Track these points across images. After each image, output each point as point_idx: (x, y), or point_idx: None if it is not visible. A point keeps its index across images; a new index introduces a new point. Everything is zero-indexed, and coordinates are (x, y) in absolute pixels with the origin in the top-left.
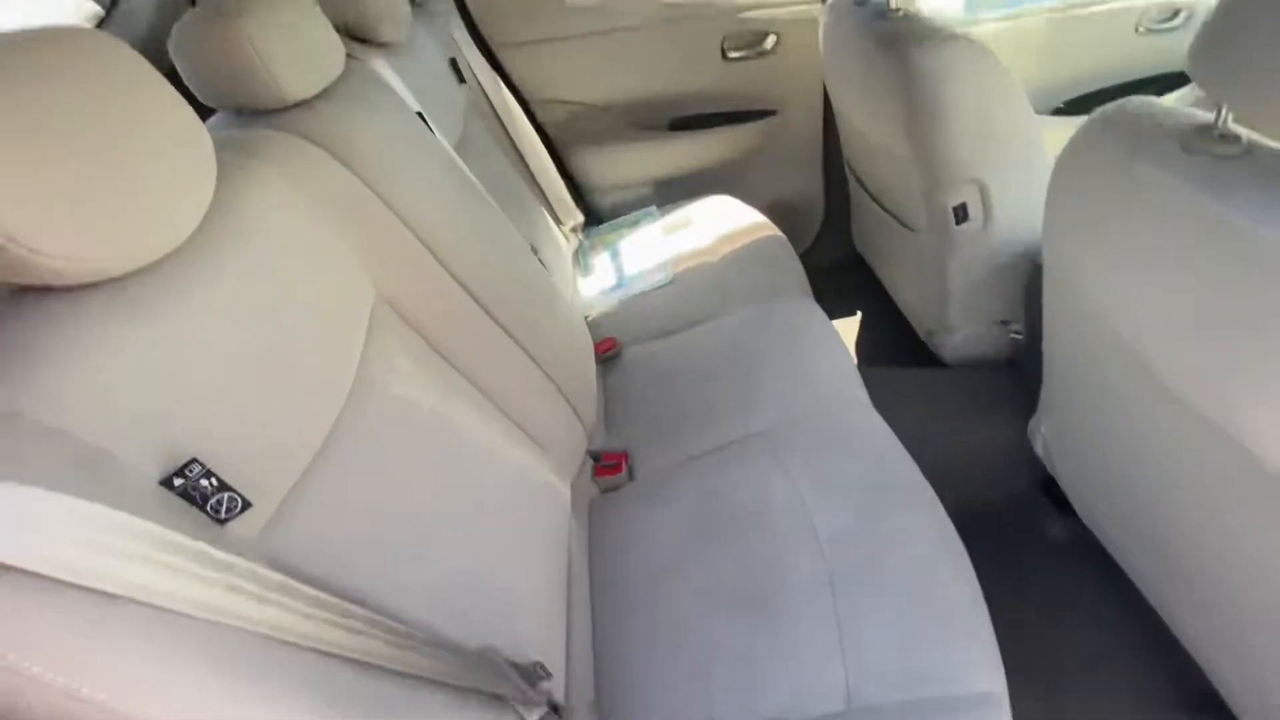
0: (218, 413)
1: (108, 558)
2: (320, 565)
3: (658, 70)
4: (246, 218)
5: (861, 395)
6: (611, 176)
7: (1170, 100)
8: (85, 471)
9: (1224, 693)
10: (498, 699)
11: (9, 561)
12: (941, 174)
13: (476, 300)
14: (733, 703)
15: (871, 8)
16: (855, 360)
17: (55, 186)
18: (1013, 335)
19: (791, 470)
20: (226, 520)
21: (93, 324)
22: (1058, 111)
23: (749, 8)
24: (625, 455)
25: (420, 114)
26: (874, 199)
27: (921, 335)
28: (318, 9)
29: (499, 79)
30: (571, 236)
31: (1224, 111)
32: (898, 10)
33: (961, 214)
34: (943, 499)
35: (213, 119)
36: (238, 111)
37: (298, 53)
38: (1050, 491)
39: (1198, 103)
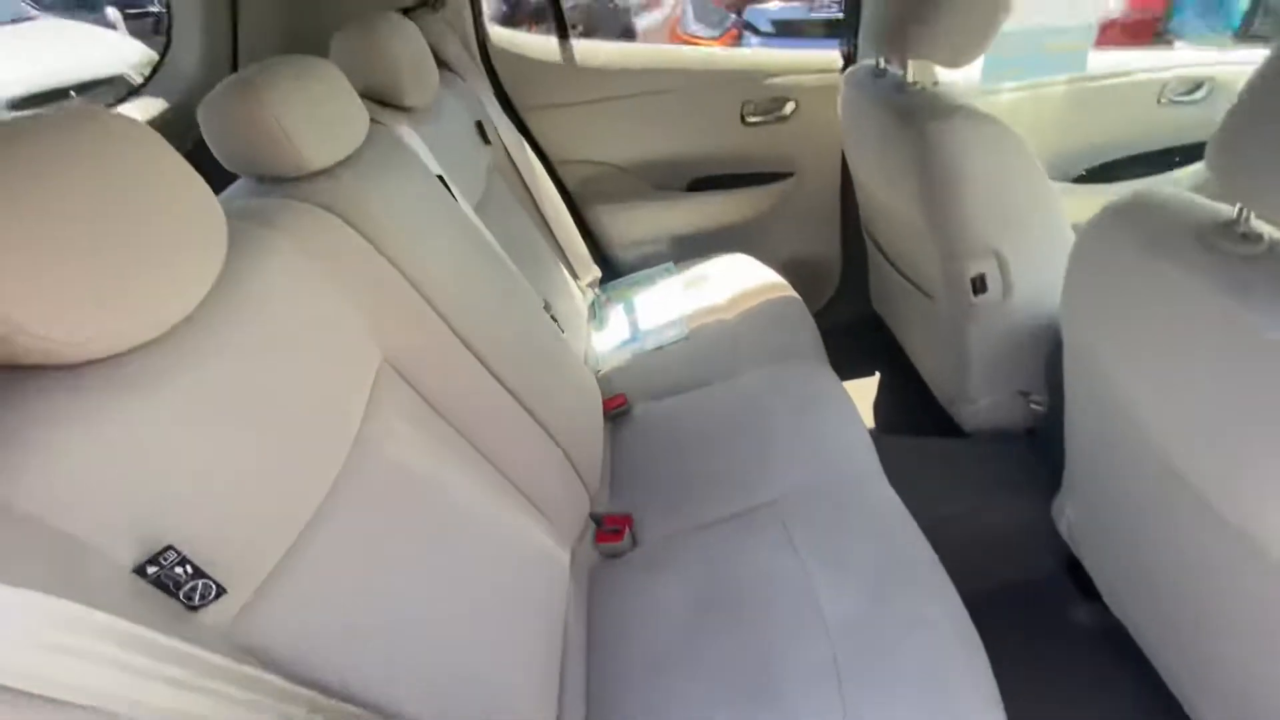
0: (203, 493)
1: (68, 660)
2: (296, 651)
3: (678, 133)
4: (254, 288)
5: (875, 468)
6: (630, 233)
7: (1189, 174)
8: (54, 562)
9: None
10: None
11: None
12: (959, 246)
13: (484, 364)
14: None
15: (890, 80)
16: (873, 424)
17: (62, 274)
18: (1034, 405)
19: (800, 546)
20: (200, 607)
21: (78, 403)
22: (1079, 179)
23: (769, 75)
24: (629, 520)
25: (441, 177)
26: (891, 264)
27: (942, 402)
28: (344, 81)
29: (524, 140)
30: (588, 291)
31: (1245, 210)
32: (915, 83)
33: (980, 285)
34: (960, 579)
35: (235, 184)
36: (260, 178)
37: (321, 124)
38: (1075, 574)
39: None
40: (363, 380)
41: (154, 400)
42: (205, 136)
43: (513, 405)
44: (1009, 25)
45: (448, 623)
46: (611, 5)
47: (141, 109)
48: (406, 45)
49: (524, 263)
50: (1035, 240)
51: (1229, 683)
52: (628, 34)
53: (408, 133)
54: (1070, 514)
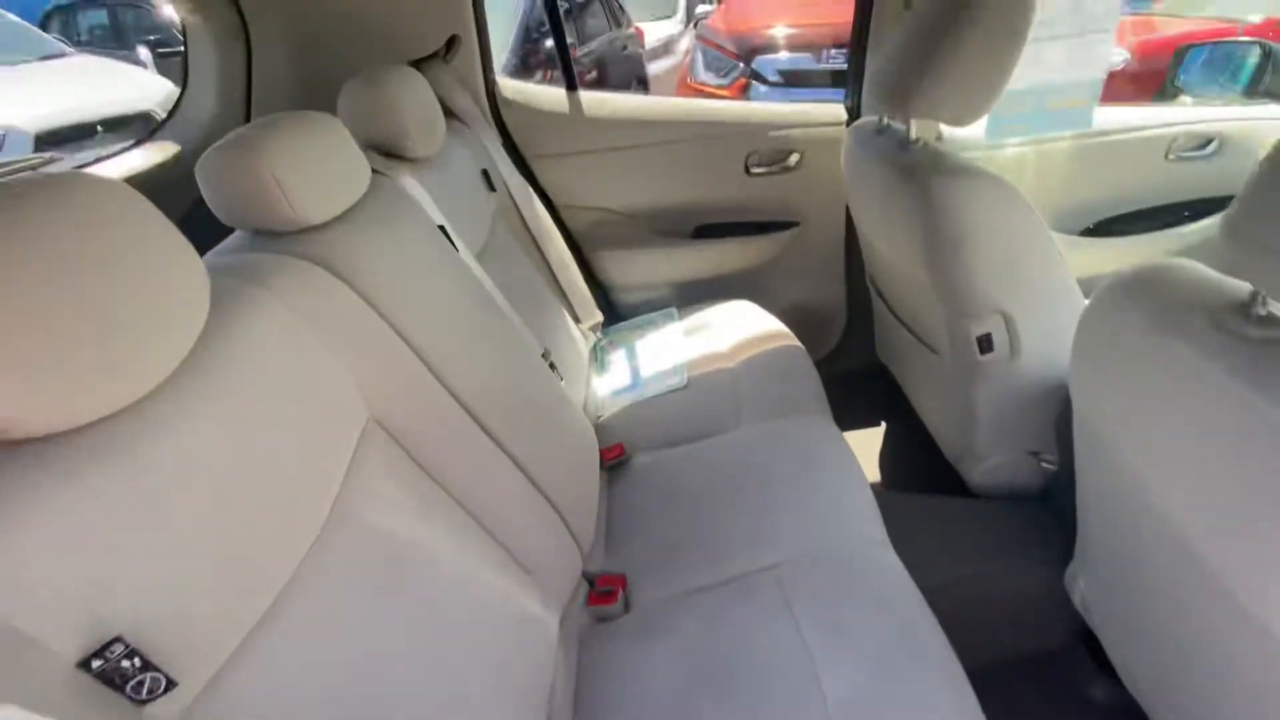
0: (158, 576)
1: None
2: None
3: (683, 182)
4: (235, 350)
5: (879, 532)
6: (633, 277)
7: (1198, 229)
8: None
9: None
10: None
11: None
12: (964, 305)
13: (477, 420)
14: None
15: (893, 136)
16: (877, 477)
17: (16, 347)
18: (1044, 465)
19: (800, 618)
20: (147, 702)
21: (19, 482)
22: (1086, 232)
23: (774, 127)
24: (623, 580)
25: (443, 227)
26: (896, 316)
27: (949, 458)
28: (346, 135)
29: (529, 186)
30: (590, 335)
31: (1262, 293)
32: (918, 141)
33: (986, 344)
34: (967, 648)
35: (232, 237)
36: (256, 232)
37: (318, 179)
38: (1090, 645)
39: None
40: (346, 440)
41: (107, 478)
42: (202, 190)
43: (505, 464)
44: (1012, 83)
45: (425, 703)
46: (624, 53)
47: (157, 152)
48: (413, 98)
49: (526, 309)
50: (1042, 300)
51: None
52: (640, 81)
53: (411, 183)
54: (1084, 585)
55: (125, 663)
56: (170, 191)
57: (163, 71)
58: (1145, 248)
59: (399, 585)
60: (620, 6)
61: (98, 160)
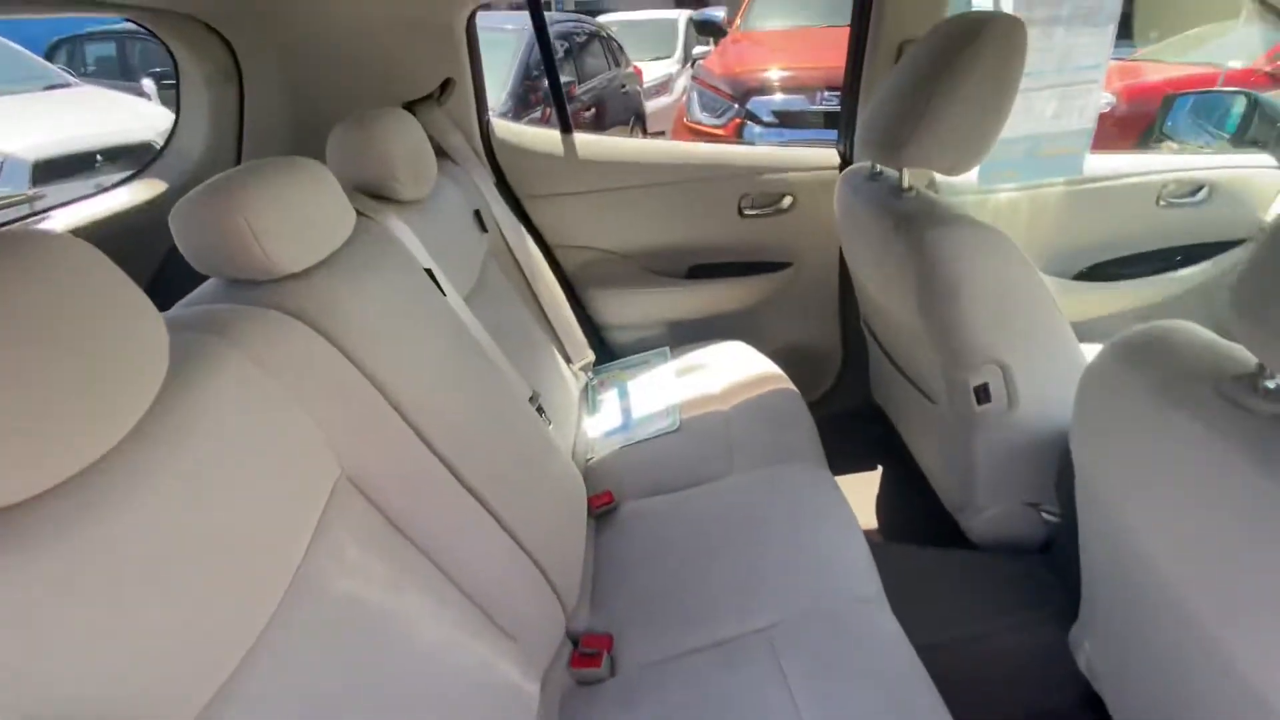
0: (102, 660)
1: None
2: None
3: (676, 224)
4: (196, 407)
5: (875, 590)
6: (626, 317)
7: (1192, 274)
8: None
9: None
10: None
11: None
12: (961, 356)
13: (455, 475)
14: None
15: (886, 183)
16: (875, 524)
17: None
18: (1045, 516)
19: (794, 686)
20: None
21: None
22: (1079, 276)
23: (766, 170)
24: (608, 641)
25: (429, 270)
26: (892, 362)
27: (948, 507)
28: (330, 180)
29: (522, 226)
30: (581, 375)
31: (1269, 367)
32: (910, 189)
33: (983, 394)
34: (966, 711)
35: (205, 284)
36: (230, 281)
37: (296, 227)
38: (1096, 708)
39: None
40: (314, 498)
41: (46, 557)
42: (175, 237)
43: (487, 520)
44: (1004, 131)
45: None
46: (623, 91)
47: (144, 190)
48: (403, 140)
49: (516, 349)
50: (1040, 350)
51: None
52: (638, 117)
53: (399, 225)
54: (1089, 648)
55: None
56: (153, 231)
57: (166, 103)
58: (1138, 292)
59: (367, 657)
60: (619, 46)
61: (83, 198)
